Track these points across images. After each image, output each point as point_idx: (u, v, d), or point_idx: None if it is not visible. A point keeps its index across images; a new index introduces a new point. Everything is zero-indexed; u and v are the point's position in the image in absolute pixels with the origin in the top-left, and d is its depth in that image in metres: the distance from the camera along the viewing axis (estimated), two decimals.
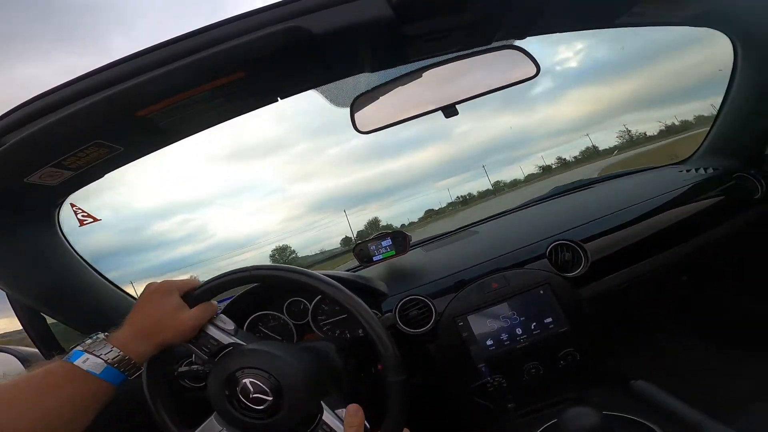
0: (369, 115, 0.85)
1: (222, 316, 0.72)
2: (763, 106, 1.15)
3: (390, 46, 0.70)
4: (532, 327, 0.98)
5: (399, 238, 1.18)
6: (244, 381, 0.63)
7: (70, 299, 0.95)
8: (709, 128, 1.31)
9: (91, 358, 0.57)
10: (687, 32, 1.01)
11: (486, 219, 1.47)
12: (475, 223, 1.46)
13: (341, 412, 0.67)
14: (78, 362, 0.57)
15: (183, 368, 1.02)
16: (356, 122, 0.85)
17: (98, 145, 0.68)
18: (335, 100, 0.86)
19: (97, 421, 0.59)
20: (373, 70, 0.78)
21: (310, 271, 0.72)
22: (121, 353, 0.59)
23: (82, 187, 0.82)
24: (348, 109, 0.85)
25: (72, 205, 0.88)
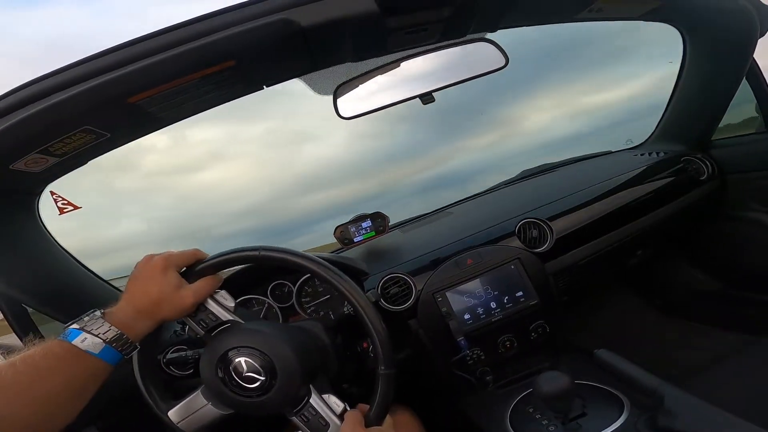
0: (351, 102, 0.89)
1: (223, 291, 0.71)
2: (708, 95, 1.25)
3: (372, 38, 0.74)
4: (505, 301, 1.05)
5: (378, 219, 1.22)
6: (238, 359, 0.64)
7: (51, 289, 0.94)
8: (661, 116, 1.42)
9: (89, 338, 0.56)
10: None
11: (459, 201, 1.54)
12: (449, 205, 1.53)
13: (327, 397, 0.69)
14: (76, 342, 0.55)
15: (171, 355, 1.02)
16: (339, 108, 0.89)
17: (86, 131, 0.68)
18: (318, 89, 0.90)
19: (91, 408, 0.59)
20: (355, 60, 0.82)
21: (312, 255, 0.72)
22: (118, 332, 0.58)
23: (65, 174, 0.82)
24: (330, 97, 0.89)
25: (52, 193, 0.87)
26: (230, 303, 0.71)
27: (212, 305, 0.69)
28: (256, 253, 0.69)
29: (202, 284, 0.66)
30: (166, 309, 0.63)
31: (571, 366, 1.01)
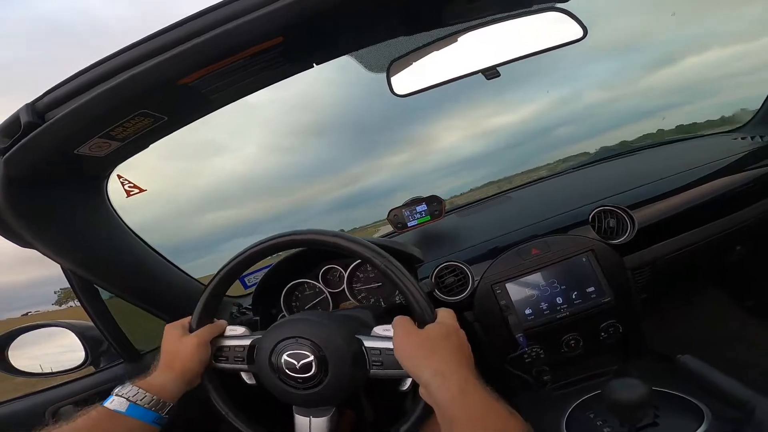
0: (406, 78, 0.84)
1: (229, 327, 0.78)
2: None
3: (429, 8, 0.67)
4: (573, 296, 0.95)
5: (434, 203, 1.17)
6: (283, 359, 0.67)
7: (120, 269, 0.98)
8: (766, 97, 1.21)
9: (116, 399, 0.65)
10: None
11: (520, 185, 1.43)
12: (509, 189, 1.43)
13: (373, 331, 0.69)
14: (107, 404, 0.65)
15: None
16: (393, 86, 0.85)
17: (143, 115, 0.69)
18: (370, 66, 0.85)
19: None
20: (410, 34, 0.75)
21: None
22: (139, 390, 0.66)
23: (129, 158, 0.85)
24: (384, 75, 0.84)
25: (119, 176, 0.90)
26: (240, 330, 0.78)
27: (229, 341, 0.76)
28: (228, 267, 0.76)
29: (202, 330, 0.76)
30: (179, 358, 0.72)
31: (644, 370, 0.93)
